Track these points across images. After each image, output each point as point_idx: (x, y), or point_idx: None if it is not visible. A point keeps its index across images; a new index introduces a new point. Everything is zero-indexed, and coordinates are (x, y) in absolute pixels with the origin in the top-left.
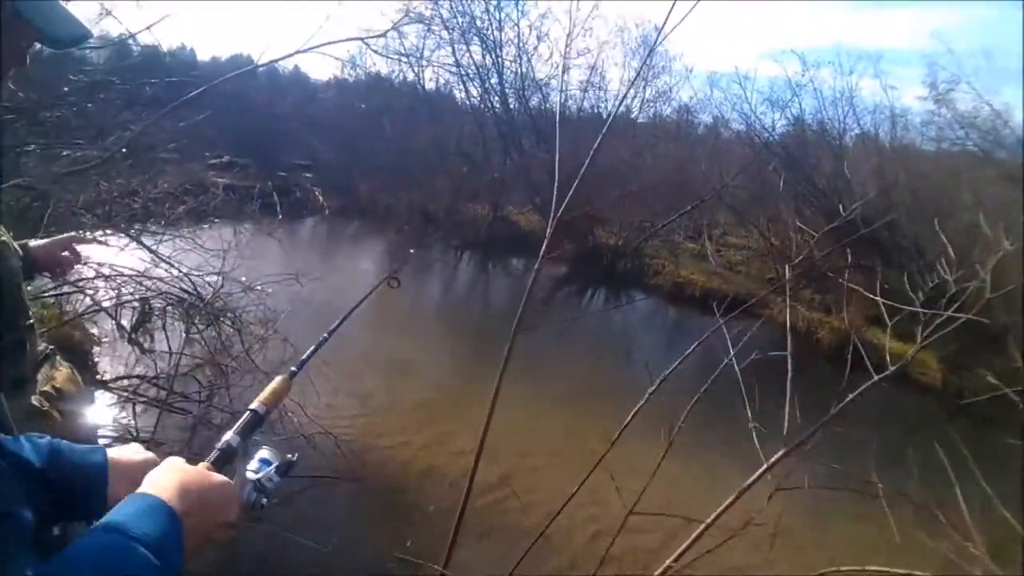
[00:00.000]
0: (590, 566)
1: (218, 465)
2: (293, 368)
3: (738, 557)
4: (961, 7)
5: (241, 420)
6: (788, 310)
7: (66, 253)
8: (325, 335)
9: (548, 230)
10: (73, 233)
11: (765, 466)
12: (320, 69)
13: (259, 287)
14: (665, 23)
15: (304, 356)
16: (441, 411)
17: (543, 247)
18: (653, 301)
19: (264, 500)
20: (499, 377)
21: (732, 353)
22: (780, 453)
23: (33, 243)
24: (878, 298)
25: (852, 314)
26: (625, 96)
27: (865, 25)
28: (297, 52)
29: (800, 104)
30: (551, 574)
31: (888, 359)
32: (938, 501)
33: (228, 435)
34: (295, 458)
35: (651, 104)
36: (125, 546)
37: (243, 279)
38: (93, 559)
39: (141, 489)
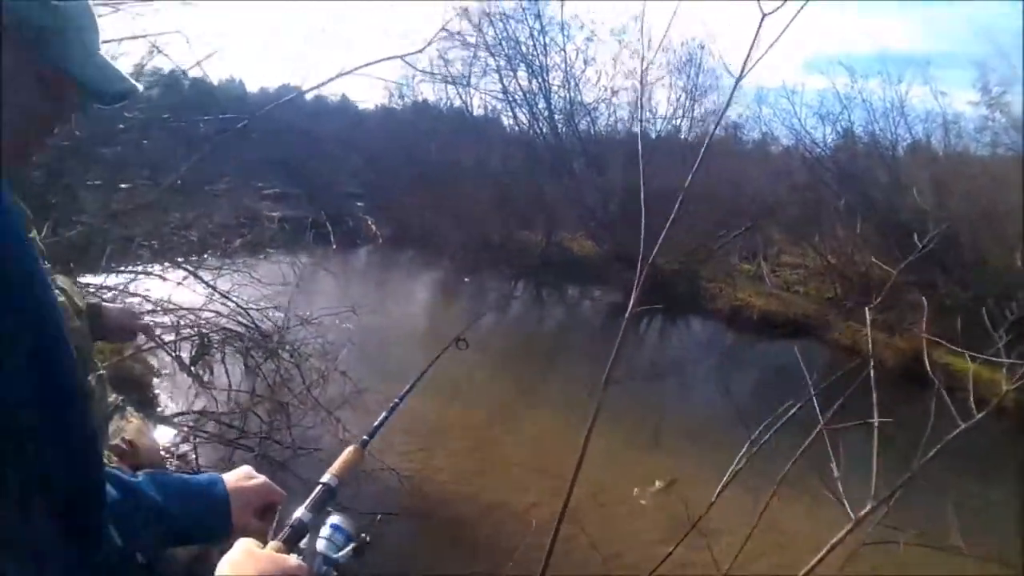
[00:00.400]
0: None
1: (290, 543)
2: (365, 437)
3: None
4: (1009, 4)
5: (313, 495)
6: (871, 366)
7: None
8: (397, 400)
9: (638, 277)
10: (148, 324)
11: (854, 521)
12: (367, 96)
13: (316, 320)
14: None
15: (376, 424)
16: (501, 444)
17: (631, 300)
18: (712, 326)
19: (334, 574)
20: (587, 433)
21: (822, 423)
22: (867, 509)
23: (108, 306)
24: (963, 350)
25: (916, 336)
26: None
27: (910, 27)
28: (339, 75)
29: (850, 116)
30: None
31: (973, 406)
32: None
33: (300, 511)
34: (368, 539)
35: (700, 122)
36: None
37: (300, 312)
38: None
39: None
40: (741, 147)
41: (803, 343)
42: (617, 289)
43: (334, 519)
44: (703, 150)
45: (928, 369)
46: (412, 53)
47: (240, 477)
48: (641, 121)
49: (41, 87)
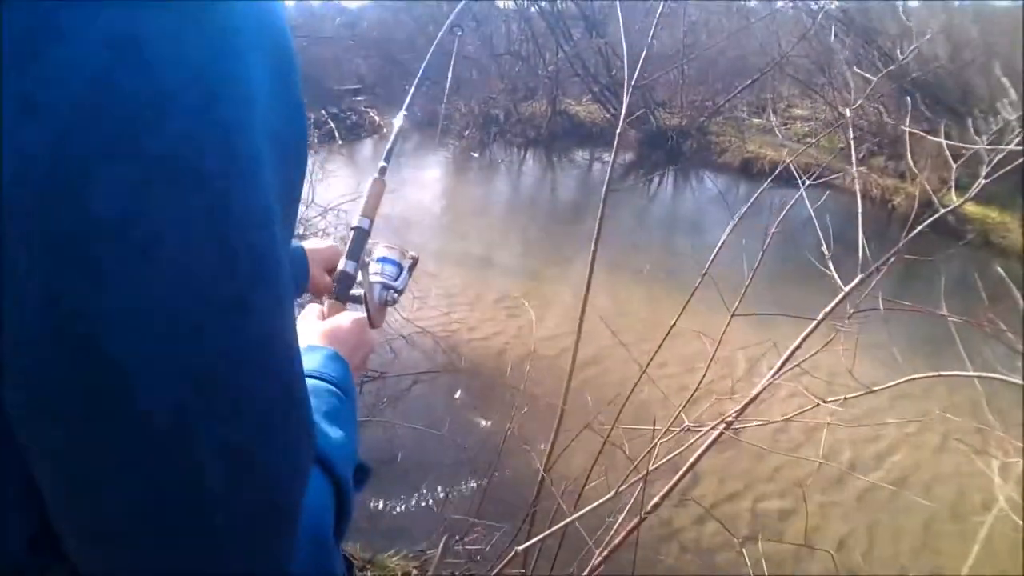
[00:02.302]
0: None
1: (343, 295)
2: (382, 163)
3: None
4: None
5: (349, 242)
6: (855, 165)
7: None
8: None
9: (620, 123)
10: None
11: (845, 290)
12: None
13: (335, 208)
14: None
15: (388, 146)
16: (525, 298)
17: (615, 140)
18: (724, 179)
19: (395, 294)
20: (591, 262)
21: (802, 187)
22: (857, 279)
23: None
24: (942, 140)
25: (929, 179)
26: None
27: None
28: None
29: None
30: (647, 425)
31: (954, 196)
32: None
33: (341, 263)
34: (416, 256)
35: None
36: (329, 390)
37: (320, 203)
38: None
39: (309, 342)
40: (745, 2)
41: (814, 190)
42: (627, 150)
43: (378, 252)
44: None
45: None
46: None
47: (312, 242)
48: None
49: None
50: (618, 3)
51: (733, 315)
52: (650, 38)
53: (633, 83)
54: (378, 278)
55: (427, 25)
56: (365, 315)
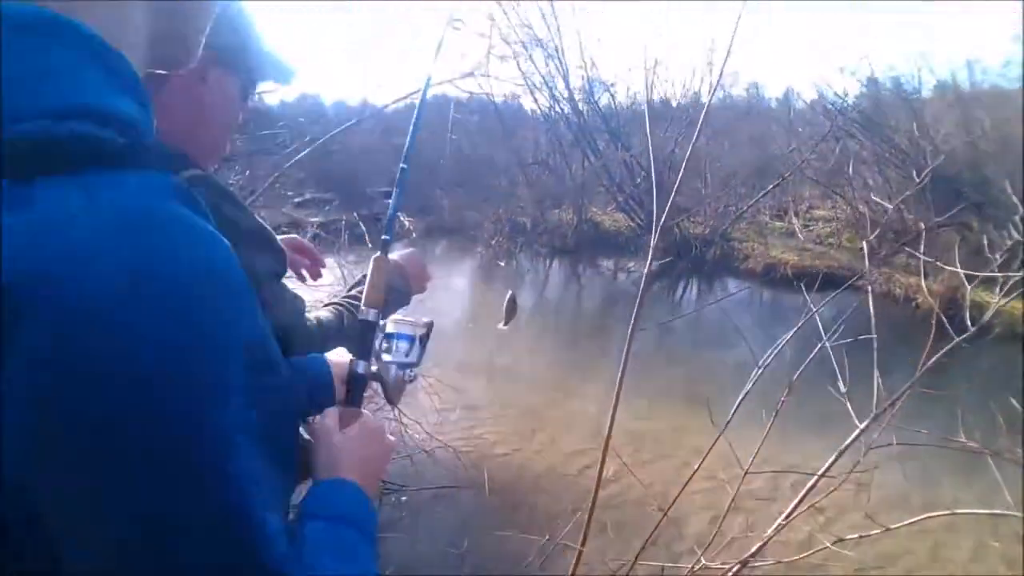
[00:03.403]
0: (709, 537)
1: (356, 400)
2: (384, 237)
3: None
4: None
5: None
6: (870, 287)
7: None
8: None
9: (653, 236)
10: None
11: (861, 427)
12: (390, 98)
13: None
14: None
15: (389, 214)
16: (549, 414)
17: (650, 252)
18: (747, 286)
19: (411, 372)
20: (619, 380)
21: (825, 339)
22: (873, 414)
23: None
24: (957, 269)
25: (950, 276)
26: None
27: None
28: (396, 101)
29: (870, 64)
30: (675, 551)
31: (968, 321)
32: None
33: (351, 364)
34: (430, 323)
35: (720, 86)
36: (336, 529)
37: None
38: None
39: (323, 472)
40: (764, 105)
41: (841, 295)
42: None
43: (388, 327)
44: (703, 113)
45: (926, 292)
46: (463, 77)
47: (337, 355)
48: (650, 92)
49: (242, 105)
50: (646, 115)
51: (747, 473)
52: (686, 159)
53: (664, 195)
54: (390, 356)
55: (458, 133)
56: (380, 422)
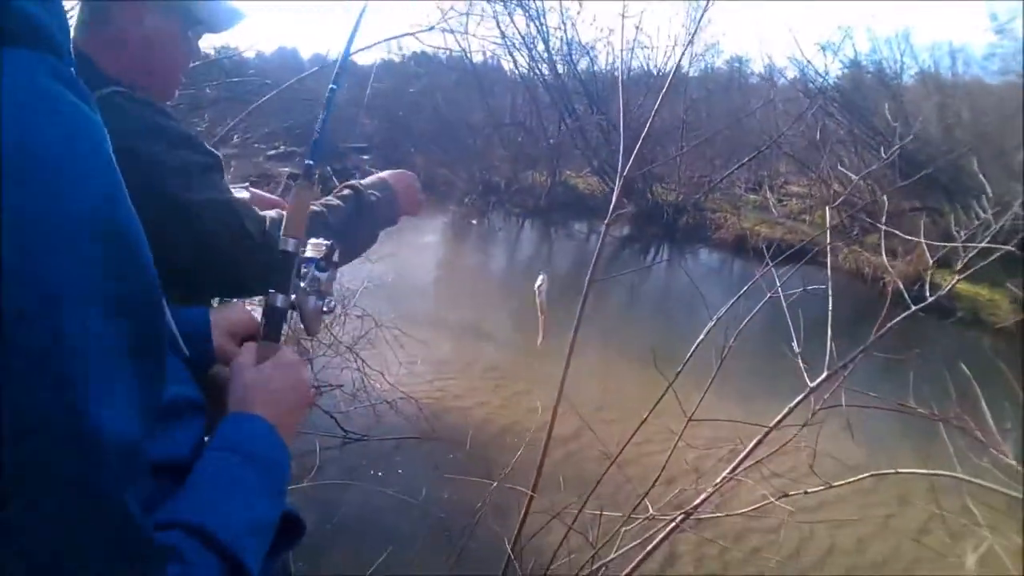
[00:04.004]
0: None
1: (274, 334)
2: (307, 161)
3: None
4: None
5: (277, 267)
6: (829, 250)
7: None
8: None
9: (615, 192)
10: None
11: (811, 386)
12: (366, 54)
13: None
14: None
15: (314, 138)
16: (514, 371)
17: (611, 207)
18: (718, 255)
19: (330, 301)
20: (573, 333)
21: (771, 293)
22: (824, 375)
23: None
24: (921, 240)
25: (918, 257)
26: (684, 56)
27: None
28: (358, 51)
29: (854, 46)
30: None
31: (928, 292)
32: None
33: (271, 298)
34: (331, 242)
35: (701, 57)
36: (229, 459)
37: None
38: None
39: (234, 408)
40: (745, 81)
41: (808, 269)
42: (624, 223)
43: (307, 252)
44: (670, 75)
45: (888, 267)
46: (423, 30)
47: (221, 308)
48: (625, 51)
49: (187, 43)
50: (620, 80)
51: (689, 419)
52: (652, 116)
53: (631, 158)
54: (304, 284)
55: (434, 91)
56: (299, 355)
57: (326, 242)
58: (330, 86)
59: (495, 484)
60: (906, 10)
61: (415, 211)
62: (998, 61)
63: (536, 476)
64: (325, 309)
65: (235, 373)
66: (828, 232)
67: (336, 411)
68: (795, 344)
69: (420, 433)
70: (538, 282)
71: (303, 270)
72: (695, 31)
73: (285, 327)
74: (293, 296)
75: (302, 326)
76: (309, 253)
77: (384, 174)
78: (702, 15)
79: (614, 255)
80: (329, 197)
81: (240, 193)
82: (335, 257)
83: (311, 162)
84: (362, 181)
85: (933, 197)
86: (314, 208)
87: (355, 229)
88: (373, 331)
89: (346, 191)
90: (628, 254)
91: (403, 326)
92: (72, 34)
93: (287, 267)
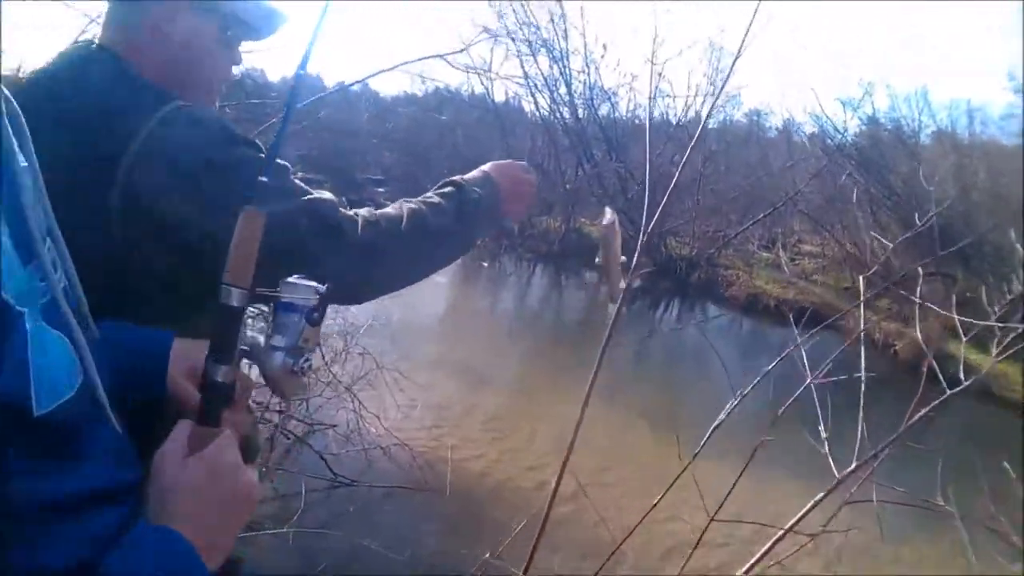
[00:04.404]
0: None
1: (211, 417)
2: (260, 178)
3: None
4: None
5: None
6: (863, 326)
7: None
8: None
9: (637, 249)
10: None
11: (838, 479)
12: (390, 85)
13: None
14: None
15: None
16: (515, 423)
17: (632, 265)
18: (728, 312)
19: (306, 360)
20: (585, 398)
21: (811, 378)
22: (852, 467)
23: None
24: (952, 314)
25: (930, 325)
26: (712, 106)
27: (936, 24)
28: (380, 72)
29: (872, 103)
30: None
31: (962, 375)
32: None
33: (211, 369)
34: (324, 289)
35: (721, 108)
36: None
37: None
38: None
39: (151, 514)
40: (763, 135)
41: (820, 333)
42: (639, 272)
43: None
44: (699, 129)
45: (921, 342)
46: (452, 53)
47: (187, 342)
48: (652, 100)
49: (225, 45)
50: (647, 133)
51: (712, 520)
52: (678, 171)
53: (656, 214)
54: (279, 340)
55: (455, 128)
56: (235, 458)
57: (318, 286)
58: (298, 72)
59: (486, 556)
60: (925, 67)
61: (521, 211)
62: (1016, 122)
63: (529, 559)
64: (297, 369)
65: (157, 467)
66: (862, 296)
67: (327, 452)
68: (822, 429)
69: (412, 483)
70: (606, 219)
71: (281, 319)
72: (722, 86)
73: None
74: (249, 346)
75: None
76: (297, 298)
77: (487, 167)
78: (730, 72)
79: (624, 306)
80: (429, 194)
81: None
82: (322, 310)
83: (264, 179)
84: (465, 176)
85: (947, 262)
86: (411, 206)
87: (453, 234)
88: (373, 371)
89: (447, 188)
90: (638, 307)
91: (405, 367)
92: (102, 34)
93: (228, 327)
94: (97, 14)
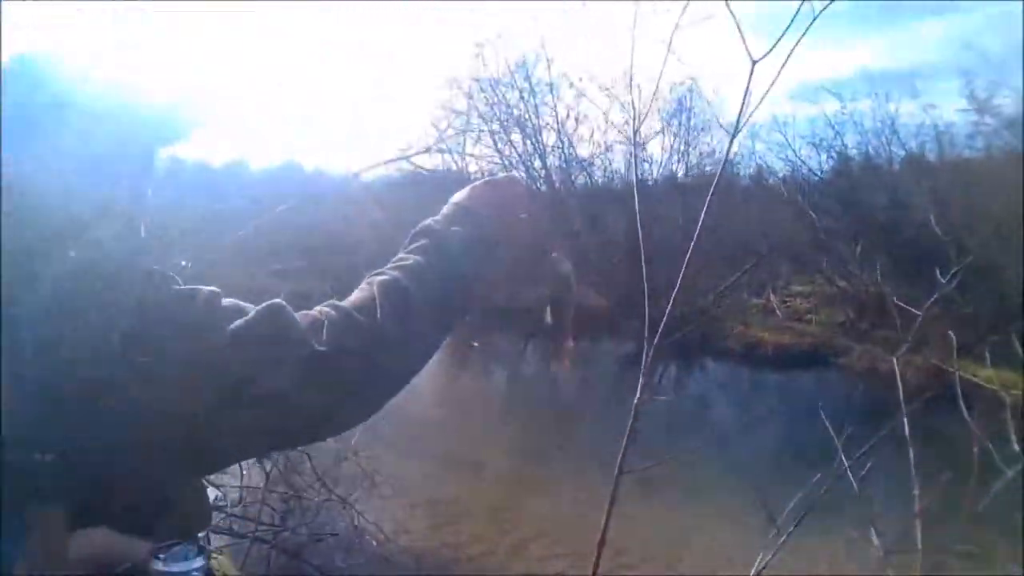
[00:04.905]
0: None
1: None
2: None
3: None
4: (986, 7)
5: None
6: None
7: None
8: None
9: (646, 329)
10: None
11: None
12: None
13: None
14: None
15: None
16: (519, 514)
17: (644, 361)
18: (726, 366)
19: None
20: (605, 519)
21: (846, 465)
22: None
23: None
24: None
25: (936, 348)
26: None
27: (890, 45)
28: (360, 171)
29: (843, 140)
30: None
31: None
32: None
33: None
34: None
35: (696, 166)
36: None
37: None
38: None
39: None
40: (738, 183)
41: (820, 372)
42: (628, 339)
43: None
44: (707, 201)
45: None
46: (417, 153)
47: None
48: (637, 173)
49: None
50: (636, 194)
51: None
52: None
53: (675, 293)
54: None
55: (431, 210)
56: None
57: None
58: None
59: None
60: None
61: (521, 234)
62: (982, 139)
63: None
64: None
65: None
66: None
67: (329, 564)
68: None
69: None
70: (562, 269)
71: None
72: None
73: None
74: None
75: None
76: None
77: (456, 196)
78: (730, 146)
79: (620, 373)
80: (400, 255)
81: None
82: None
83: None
84: (436, 217)
85: (930, 283)
86: (383, 278)
87: (444, 294)
88: (367, 481)
89: (421, 240)
90: (634, 375)
91: (400, 465)
92: None
93: None
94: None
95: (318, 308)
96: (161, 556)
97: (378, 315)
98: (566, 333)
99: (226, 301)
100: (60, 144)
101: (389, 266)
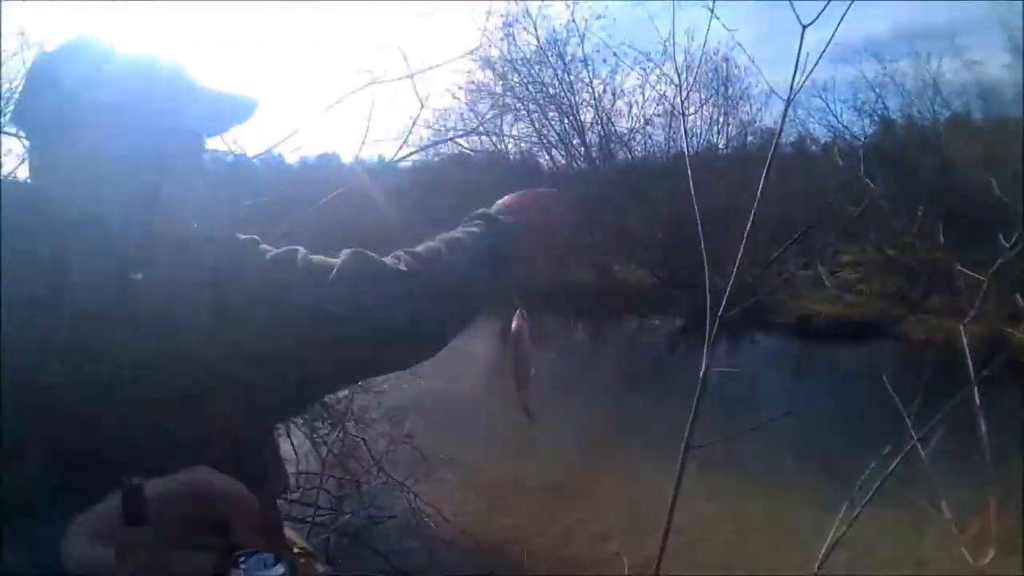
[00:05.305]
0: None
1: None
2: None
3: None
4: None
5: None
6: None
7: None
8: None
9: (709, 329)
10: None
11: None
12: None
13: (377, 389)
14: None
15: None
16: (573, 492)
17: (708, 334)
18: (777, 339)
19: None
20: (672, 497)
21: (917, 437)
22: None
23: None
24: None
25: (991, 315)
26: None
27: (929, 2)
28: (401, 159)
29: (884, 103)
30: None
31: None
32: None
33: None
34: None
35: (736, 138)
36: None
37: None
38: None
39: None
40: (780, 152)
41: (874, 343)
42: (675, 314)
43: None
44: (764, 176)
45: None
46: (464, 134)
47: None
48: (688, 144)
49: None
50: (688, 165)
51: None
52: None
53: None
54: None
55: (469, 191)
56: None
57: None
58: None
59: None
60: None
61: (556, 243)
62: None
63: None
64: None
65: None
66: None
67: (387, 547)
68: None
69: (477, 570)
70: (515, 321)
71: None
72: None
73: None
74: None
75: None
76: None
77: (506, 198)
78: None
79: (668, 349)
80: (455, 231)
81: None
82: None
83: None
84: (488, 209)
85: (987, 246)
86: (446, 236)
87: (484, 280)
88: (423, 463)
89: (476, 222)
90: (684, 350)
91: (456, 452)
92: None
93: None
94: None
95: (392, 255)
96: (242, 563)
97: (443, 253)
98: (527, 388)
99: (314, 257)
100: (97, 139)
101: (448, 235)
